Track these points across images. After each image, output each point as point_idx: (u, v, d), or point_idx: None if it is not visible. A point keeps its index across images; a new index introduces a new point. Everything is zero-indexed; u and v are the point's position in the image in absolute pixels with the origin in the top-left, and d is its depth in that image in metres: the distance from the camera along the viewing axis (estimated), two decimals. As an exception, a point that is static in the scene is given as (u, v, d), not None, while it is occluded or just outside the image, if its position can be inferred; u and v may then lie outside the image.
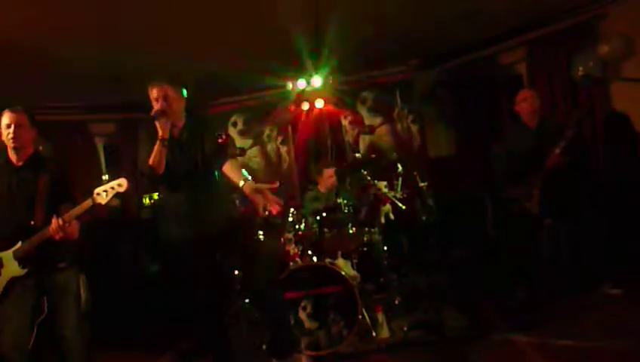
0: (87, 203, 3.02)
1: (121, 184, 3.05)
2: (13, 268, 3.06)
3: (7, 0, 3.50)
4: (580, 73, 4.92)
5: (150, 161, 3.11)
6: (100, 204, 3.02)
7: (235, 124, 6.82)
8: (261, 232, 4.30)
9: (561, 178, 4.03)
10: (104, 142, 6.47)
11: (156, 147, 3.10)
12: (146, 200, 5.81)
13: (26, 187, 3.15)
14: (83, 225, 3.73)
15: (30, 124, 3.18)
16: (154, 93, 3.25)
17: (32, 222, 3.06)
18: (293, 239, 4.07)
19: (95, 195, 3.02)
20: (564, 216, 4.11)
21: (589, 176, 4.64)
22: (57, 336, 3.14)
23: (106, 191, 3.03)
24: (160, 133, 3.10)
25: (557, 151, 3.96)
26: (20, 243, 3.05)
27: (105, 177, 3.18)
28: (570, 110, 5.12)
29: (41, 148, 5.37)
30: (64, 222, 2.99)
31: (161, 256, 5.50)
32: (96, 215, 5.51)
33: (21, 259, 3.05)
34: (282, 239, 4.12)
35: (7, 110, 3.14)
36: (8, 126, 3.10)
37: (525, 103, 4.22)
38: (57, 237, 3.00)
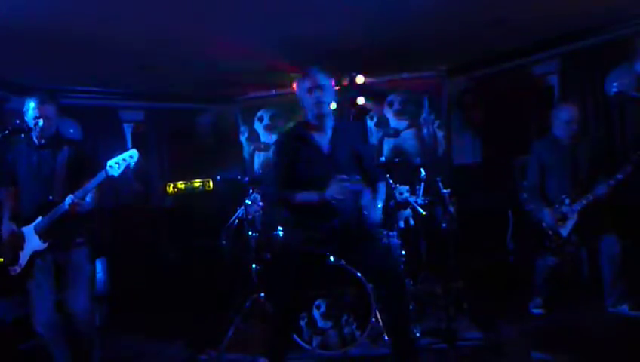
0: (100, 175, 3.10)
1: (132, 155, 3.14)
2: (34, 242, 3.19)
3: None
4: (614, 89, 4.82)
5: None
6: (112, 176, 3.09)
7: (261, 119, 6.88)
8: (280, 228, 4.33)
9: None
10: (132, 128, 6.57)
11: None
12: (170, 189, 5.88)
13: (46, 165, 3.26)
14: (106, 210, 3.79)
15: (57, 113, 3.28)
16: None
17: (51, 197, 3.17)
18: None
19: (108, 168, 3.09)
20: (590, 235, 4.06)
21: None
22: (68, 312, 3.21)
23: (117, 163, 3.10)
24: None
25: (611, 184, 3.88)
26: (40, 218, 3.18)
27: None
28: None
29: (72, 130, 5.59)
30: (77, 198, 3.09)
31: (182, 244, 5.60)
32: (120, 201, 5.69)
33: (41, 233, 3.17)
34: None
35: (36, 101, 3.21)
36: (37, 117, 3.19)
37: (568, 125, 4.13)
38: (74, 210, 3.10)
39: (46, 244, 3.17)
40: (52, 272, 3.24)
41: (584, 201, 3.98)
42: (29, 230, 3.20)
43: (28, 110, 3.22)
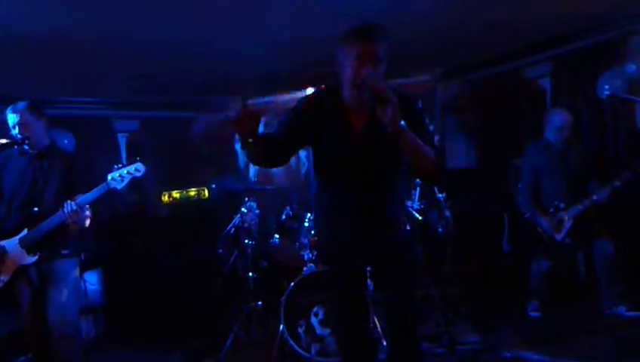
0: (102, 187, 2.98)
1: (138, 169, 2.99)
2: (20, 256, 3.03)
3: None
4: (606, 92, 4.85)
5: None
6: (115, 189, 2.98)
7: (256, 126, 6.87)
8: (277, 236, 4.32)
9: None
10: (126, 138, 6.55)
11: None
12: (165, 198, 5.86)
13: (38, 176, 3.16)
14: (101, 221, 3.74)
15: (34, 118, 3.17)
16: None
17: (36, 209, 3.05)
18: (308, 245, 4.08)
19: (109, 180, 2.97)
20: (583, 238, 4.07)
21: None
22: (49, 326, 3.05)
23: (121, 176, 2.97)
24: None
25: (608, 191, 3.89)
26: (25, 231, 3.04)
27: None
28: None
29: (66, 141, 5.57)
30: (78, 206, 2.97)
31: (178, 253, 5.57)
32: (115, 211, 5.66)
33: (29, 247, 3.03)
34: (297, 244, 4.13)
35: (9, 110, 3.15)
36: (13, 126, 3.13)
37: (560, 131, 4.15)
38: (69, 221, 2.98)
39: (35, 258, 3.04)
40: (38, 285, 3.12)
41: (580, 207, 3.99)
42: (12, 243, 3.05)
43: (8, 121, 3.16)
